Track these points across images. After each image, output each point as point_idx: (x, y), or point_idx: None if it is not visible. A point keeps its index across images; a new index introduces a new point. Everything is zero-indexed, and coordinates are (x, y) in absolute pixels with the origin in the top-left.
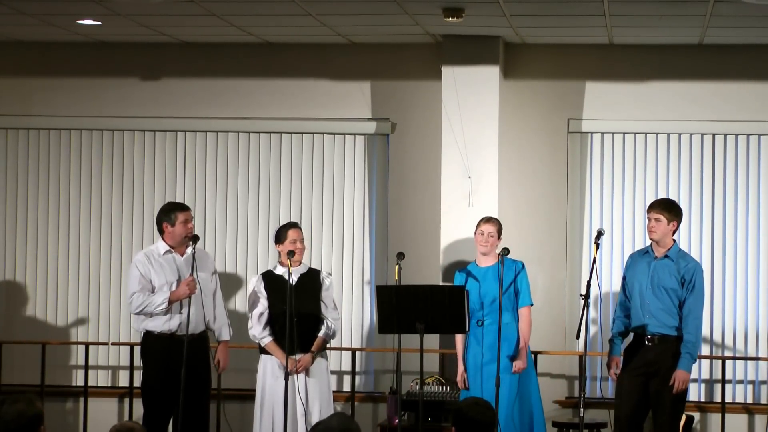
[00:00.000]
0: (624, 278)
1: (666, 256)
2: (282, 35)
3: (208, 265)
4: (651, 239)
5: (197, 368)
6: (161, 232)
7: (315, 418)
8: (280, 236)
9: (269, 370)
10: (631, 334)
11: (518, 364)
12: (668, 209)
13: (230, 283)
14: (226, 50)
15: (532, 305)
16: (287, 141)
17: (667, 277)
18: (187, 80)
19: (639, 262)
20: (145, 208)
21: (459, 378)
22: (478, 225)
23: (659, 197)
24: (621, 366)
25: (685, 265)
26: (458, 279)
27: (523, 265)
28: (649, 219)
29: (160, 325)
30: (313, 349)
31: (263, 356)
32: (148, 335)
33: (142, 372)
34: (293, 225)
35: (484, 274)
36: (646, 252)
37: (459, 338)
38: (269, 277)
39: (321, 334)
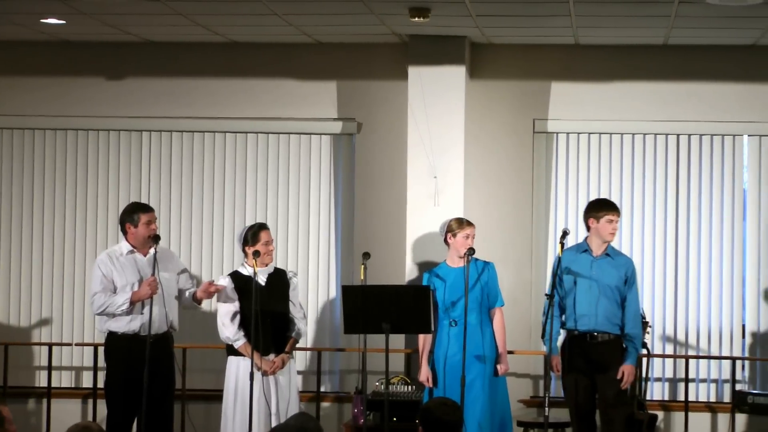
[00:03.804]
0: (556, 276)
1: (606, 254)
2: (248, 34)
3: (172, 265)
4: (607, 240)
5: (161, 369)
6: (124, 232)
7: (284, 418)
8: (250, 238)
9: (242, 371)
10: (563, 332)
11: (502, 368)
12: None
13: (195, 284)
14: (192, 49)
15: (503, 306)
16: (253, 141)
17: (610, 274)
18: (152, 80)
19: (577, 261)
20: (109, 209)
21: (423, 377)
22: (461, 228)
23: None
24: (561, 365)
25: (624, 261)
26: (426, 280)
27: (494, 267)
28: (612, 221)
29: (123, 325)
30: (287, 349)
31: (233, 357)
32: (111, 336)
33: (105, 373)
34: (264, 226)
35: (455, 275)
36: (584, 250)
37: (422, 337)
38: (238, 278)
39: (293, 334)
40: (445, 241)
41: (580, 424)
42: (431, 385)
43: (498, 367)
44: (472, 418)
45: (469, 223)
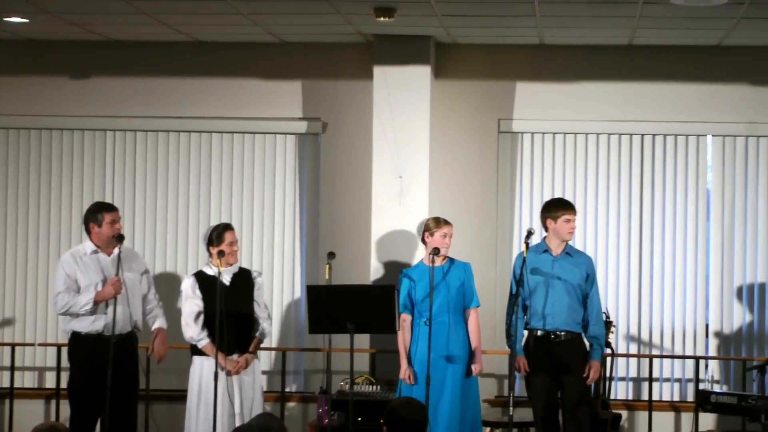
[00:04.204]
0: (517, 277)
1: (567, 254)
2: (213, 34)
3: (136, 264)
4: (566, 240)
5: (124, 369)
6: (88, 232)
7: (248, 419)
8: (215, 238)
9: (206, 371)
10: (526, 332)
11: (476, 368)
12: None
13: (159, 283)
14: (157, 49)
15: (479, 306)
16: (218, 140)
17: (572, 273)
18: (116, 79)
19: (538, 261)
20: (73, 208)
21: (403, 374)
22: (438, 227)
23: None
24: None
25: (585, 260)
26: (404, 281)
27: (471, 267)
28: (569, 220)
29: (87, 325)
30: (251, 349)
31: (197, 357)
32: (74, 336)
33: (68, 373)
34: (229, 227)
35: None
36: (544, 251)
37: (401, 335)
38: (202, 278)
39: (257, 334)
40: (423, 240)
41: (544, 424)
42: (413, 383)
43: (472, 367)
44: (441, 417)
45: (447, 222)
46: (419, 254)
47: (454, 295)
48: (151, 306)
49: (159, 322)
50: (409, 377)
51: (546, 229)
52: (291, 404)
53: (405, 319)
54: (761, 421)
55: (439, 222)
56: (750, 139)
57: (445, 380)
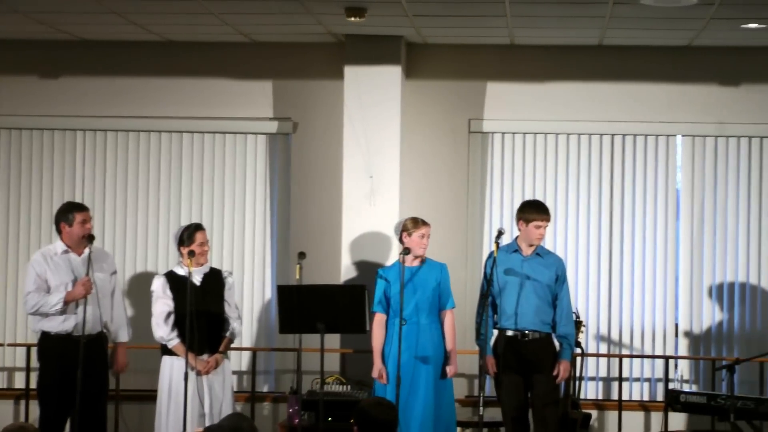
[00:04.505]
0: (487, 276)
1: (537, 254)
2: (183, 33)
3: (106, 265)
4: (534, 244)
5: (94, 369)
6: (59, 232)
7: (218, 419)
8: (185, 238)
9: (175, 371)
10: (496, 332)
11: (451, 369)
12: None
13: (130, 284)
14: (127, 48)
15: (454, 308)
16: (188, 140)
17: (541, 273)
18: (86, 78)
19: (508, 260)
20: (43, 208)
21: (376, 373)
22: (416, 227)
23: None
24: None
25: (555, 260)
26: (379, 280)
27: (447, 268)
28: (539, 226)
29: (57, 325)
30: (221, 349)
31: (167, 357)
32: (44, 336)
33: (38, 373)
34: (200, 227)
35: (408, 274)
36: (515, 250)
37: (376, 334)
38: (172, 278)
39: (227, 334)
40: (400, 240)
41: (513, 423)
42: (385, 382)
43: (447, 369)
44: (414, 418)
45: (425, 223)
46: (391, 254)
47: (430, 295)
48: (117, 312)
49: (122, 336)
50: (382, 376)
51: (519, 228)
52: (261, 404)
53: (380, 317)
54: (730, 420)
55: (417, 222)
56: (719, 139)
57: (419, 381)
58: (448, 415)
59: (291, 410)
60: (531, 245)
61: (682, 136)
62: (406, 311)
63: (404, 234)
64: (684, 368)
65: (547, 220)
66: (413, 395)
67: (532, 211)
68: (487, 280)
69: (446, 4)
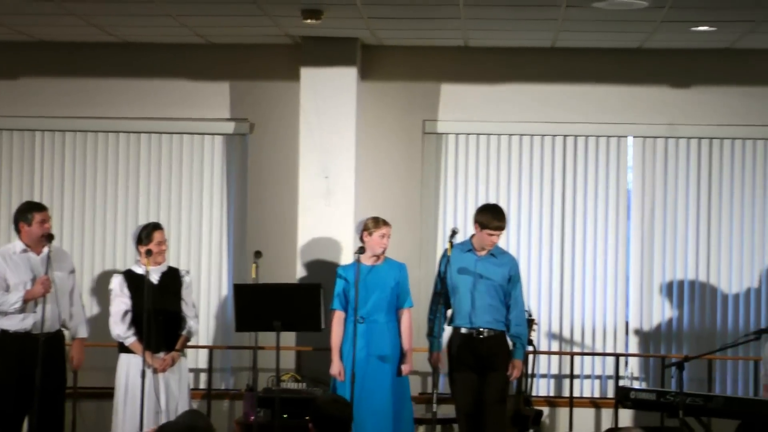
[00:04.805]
0: (441, 274)
1: (491, 254)
2: (141, 35)
3: (65, 264)
4: (486, 249)
5: (53, 367)
6: (18, 231)
7: (174, 416)
8: (143, 237)
9: (132, 369)
10: (449, 329)
11: (406, 368)
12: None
13: (88, 282)
14: (85, 50)
15: (412, 307)
16: (146, 141)
17: (495, 273)
18: (45, 79)
19: (462, 259)
20: (1, 207)
21: (335, 371)
22: (377, 227)
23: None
24: (446, 362)
25: (509, 260)
26: (338, 279)
27: (406, 268)
28: (492, 235)
29: (16, 323)
30: (177, 347)
31: (124, 355)
32: (3, 334)
33: None
34: (158, 226)
35: (367, 273)
36: (469, 250)
37: (335, 332)
38: (130, 277)
39: (184, 332)
40: (361, 239)
41: (467, 420)
42: (342, 379)
43: (402, 367)
44: (371, 415)
45: (386, 223)
46: (346, 253)
47: (388, 294)
48: (75, 309)
49: (81, 332)
50: (340, 373)
51: (475, 229)
52: (218, 402)
53: (339, 315)
54: (679, 417)
55: (378, 222)
56: (670, 140)
57: (376, 378)
58: (406, 412)
59: (247, 407)
60: (483, 249)
61: (634, 137)
62: (364, 309)
63: (365, 233)
64: (634, 366)
65: (502, 229)
66: (371, 393)
67: (491, 219)
68: (441, 279)
69: (401, 7)
